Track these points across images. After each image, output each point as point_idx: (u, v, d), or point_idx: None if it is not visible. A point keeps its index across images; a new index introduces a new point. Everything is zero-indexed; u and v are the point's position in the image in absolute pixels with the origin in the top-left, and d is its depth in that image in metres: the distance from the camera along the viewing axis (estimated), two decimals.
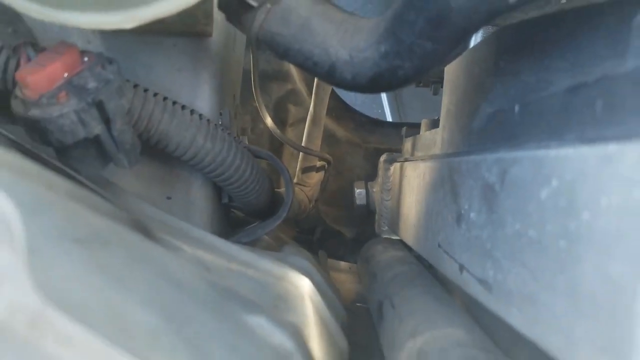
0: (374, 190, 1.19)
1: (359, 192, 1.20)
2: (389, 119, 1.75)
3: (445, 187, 0.65)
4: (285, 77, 1.34)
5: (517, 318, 0.42)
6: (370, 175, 1.28)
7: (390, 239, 1.10)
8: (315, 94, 1.16)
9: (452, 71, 0.76)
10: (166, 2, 0.47)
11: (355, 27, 0.55)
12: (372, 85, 0.55)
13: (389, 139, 1.40)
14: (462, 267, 0.57)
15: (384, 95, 1.79)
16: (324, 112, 1.17)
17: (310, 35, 0.55)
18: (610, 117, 0.36)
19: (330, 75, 0.56)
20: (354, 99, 1.44)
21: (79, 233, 0.33)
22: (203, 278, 0.41)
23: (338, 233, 1.30)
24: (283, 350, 0.37)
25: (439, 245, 0.67)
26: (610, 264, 0.30)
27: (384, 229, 1.14)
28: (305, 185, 1.21)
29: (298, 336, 0.41)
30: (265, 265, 0.55)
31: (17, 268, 0.22)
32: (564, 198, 0.36)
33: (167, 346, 0.26)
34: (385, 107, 1.77)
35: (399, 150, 1.17)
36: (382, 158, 1.14)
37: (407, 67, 0.51)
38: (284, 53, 0.57)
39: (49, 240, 0.25)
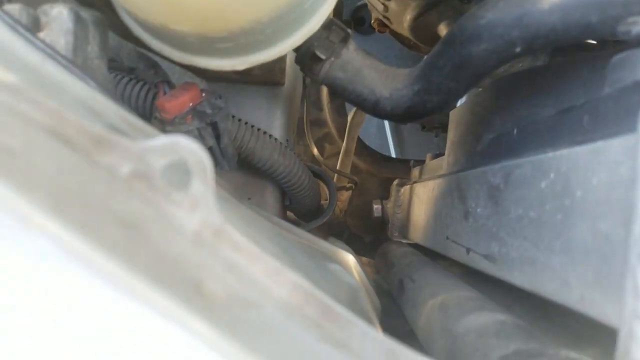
0: (388, 206, 1.21)
1: (376, 207, 1.22)
2: (394, 155, 1.78)
3: (453, 194, 0.67)
4: (322, 123, 1.37)
5: (519, 278, 0.44)
6: (383, 196, 1.29)
7: (400, 241, 1.11)
8: (348, 133, 1.19)
9: (456, 114, 0.78)
10: (266, 53, 0.50)
11: (394, 74, 0.58)
12: (406, 115, 0.57)
13: (397, 171, 1.42)
14: (468, 250, 0.58)
15: (389, 138, 1.81)
16: (354, 146, 1.19)
17: (361, 79, 0.58)
18: (594, 126, 0.38)
19: (374, 108, 0.59)
20: (370, 141, 1.47)
21: (222, 195, 0.35)
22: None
23: (359, 237, 1.31)
24: (354, 286, 0.38)
25: (447, 238, 0.68)
26: (601, 223, 0.32)
27: (395, 234, 1.15)
28: (338, 200, 1.24)
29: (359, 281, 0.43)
30: (323, 244, 0.57)
31: (208, 195, 0.24)
32: (560, 184, 0.38)
33: (288, 265, 0.27)
34: (390, 147, 1.80)
35: (405, 179, 1.19)
36: (395, 182, 1.16)
37: (435, 101, 0.54)
38: (342, 92, 0.60)
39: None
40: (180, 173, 0.25)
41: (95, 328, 0.18)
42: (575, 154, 0.36)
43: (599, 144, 0.33)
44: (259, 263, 0.25)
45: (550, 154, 0.40)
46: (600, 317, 0.31)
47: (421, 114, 0.56)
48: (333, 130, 1.40)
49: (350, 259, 0.58)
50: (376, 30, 1.13)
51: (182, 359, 0.18)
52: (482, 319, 0.41)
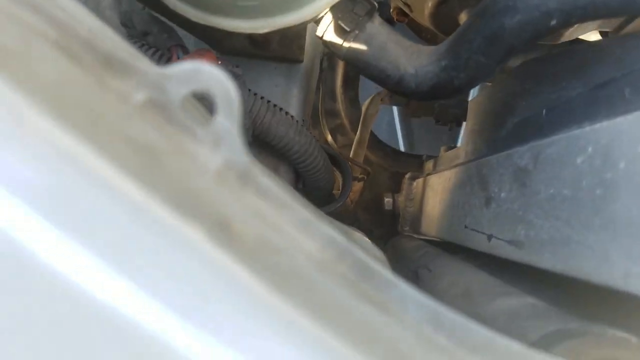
0: (399, 200, 1.18)
1: (387, 200, 1.20)
2: (402, 149, 1.76)
3: (473, 181, 0.64)
4: (335, 114, 1.35)
5: (549, 260, 0.41)
6: (394, 190, 1.27)
7: (411, 235, 1.09)
8: (362, 123, 1.17)
9: (475, 103, 0.76)
10: (291, 16, 0.47)
11: (420, 50, 0.56)
12: (432, 92, 0.55)
13: (408, 165, 1.40)
14: (490, 237, 0.55)
15: (399, 133, 1.79)
16: (367, 137, 1.17)
17: (385, 55, 0.56)
18: (637, 97, 0.35)
19: (398, 85, 0.56)
20: (380, 136, 1.45)
21: None
22: None
23: (369, 231, 1.28)
24: (382, 260, 0.36)
25: (466, 227, 0.65)
26: None
27: (406, 229, 1.12)
28: (350, 190, 1.21)
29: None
30: (338, 224, 0.54)
31: (234, 132, 0.22)
32: (600, 158, 0.35)
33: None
34: (400, 142, 1.78)
35: (417, 173, 1.17)
36: (407, 176, 1.14)
37: (462, 77, 0.51)
38: (364, 67, 0.57)
39: None
40: (203, 106, 0.23)
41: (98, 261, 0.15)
42: (618, 124, 0.34)
43: None
44: (289, 212, 0.23)
45: (587, 128, 0.38)
46: None
47: (447, 92, 0.54)
48: (346, 122, 1.37)
49: (366, 240, 0.56)
50: (395, 19, 1.10)
51: (208, 298, 0.16)
52: (510, 302, 0.38)
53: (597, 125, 0.36)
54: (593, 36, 0.81)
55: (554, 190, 0.41)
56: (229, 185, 0.22)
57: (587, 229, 0.35)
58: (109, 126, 0.19)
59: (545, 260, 0.42)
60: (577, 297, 0.50)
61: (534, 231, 0.44)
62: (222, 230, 0.18)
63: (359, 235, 0.35)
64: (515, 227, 0.48)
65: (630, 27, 0.76)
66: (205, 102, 0.25)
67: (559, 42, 0.67)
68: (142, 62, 0.22)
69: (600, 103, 0.40)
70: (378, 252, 0.36)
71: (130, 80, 0.22)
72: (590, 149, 0.37)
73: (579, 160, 0.38)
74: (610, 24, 0.63)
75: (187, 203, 0.18)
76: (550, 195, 0.42)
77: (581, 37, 0.73)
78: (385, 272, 0.23)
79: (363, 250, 0.31)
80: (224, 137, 0.22)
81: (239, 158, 0.22)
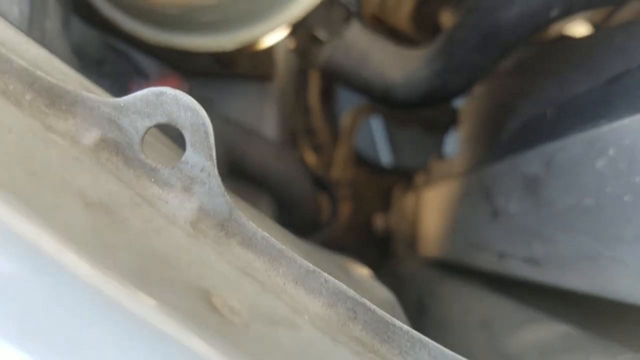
0: (390, 218, 1.16)
1: (378, 221, 1.17)
2: (384, 162, 1.74)
3: (474, 193, 0.62)
4: (314, 131, 1.33)
5: (575, 280, 0.38)
6: (383, 208, 1.24)
7: (408, 256, 1.06)
8: (343, 140, 1.15)
9: (468, 108, 0.74)
10: (260, 28, 0.44)
11: (408, 55, 0.53)
12: (425, 100, 0.52)
13: (395, 180, 1.38)
14: (501, 255, 0.52)
15: (380, 146, 1.78)
16: (349, 154, 1.15)
17: (368, 64, 0.53)
18: None
19: (385, 95, 0.54)
20: (359, 150, 1.43)
21: None
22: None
23: (361, 255, 1.25)
24: (389, 299, 0.33)
25: (471, 245, 0.62)
26: None
27: (402, 249, 1.09)
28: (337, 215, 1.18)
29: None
30: (336, 259, 0.51)
31: (209, 170, 0.18)
32: (625, 160, 0.33)
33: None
34: (382, 156, 1.77)
35: (407, 187, 1.14)
36: (397, 191, 1.11)
37: (457, 81, 0.49)
38: (345, 79, 0.55)
39: None
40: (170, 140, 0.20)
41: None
42: None
43: None
44: (284, 264, 0.19)
45: (605, 128, 0.35)
46: None
47: (441, 98, 0.51)
48: (325, 139, 1.35)
49: (366, 272, 0.53)
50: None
51: None
52: (540, 333, 0.35)
53: (617, 123, 0.34)
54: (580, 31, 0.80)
55: (573, 200, 0.39)
56: (207, 238, 0.19)
57: (619, 242, 0.33)
58: (53, 181, 0.15)
59: (568, 279, 0.39)
60: (603, 314, 0.47)
61: (553, 247, 0.41)
62: (202, 309, 0.14)
63: (359, 275, 0.32)
64: (530, 243, 0.45)
65: (618, 17, 0.75)
66: (171, 132, 0.22)
67: (546, 39, 0.66)
68: (93, 95, 0.19)
69: (616, 98, 0.38)
70: (385, 292, 0.33)
71: (79, 118, 0.19)
72: (611, 151, 0.34)
73: (599, 164, 0.35)
74: (597, 16, 0.62)
75: (153, 277, 0.14)
76: (569, 206, 0.39)
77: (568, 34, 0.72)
78: (403, 326, 0.20)
79: (372, 296, 0.28)
80: (197, 178, 0.19)
81: (217, 202, 0.19)
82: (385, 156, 1.83)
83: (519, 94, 0.56)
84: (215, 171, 0.19)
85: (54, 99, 0.18)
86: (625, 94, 0.37)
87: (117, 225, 0.15)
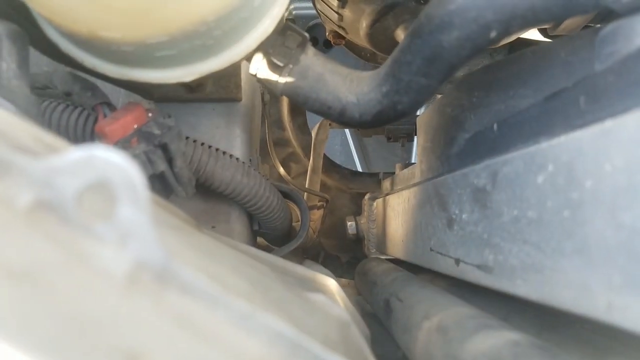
0: (362, 222, 1.15)
1: (350, 224, 1.16)
2: (359, 169, 1.74)
3: (432, 202, 0.62)
4: (286, 143, 1.32)
5: (522, 288, 0.38)
6: (356, 212, 1.24)
7: (378, 257, 1.06)
8: (313, 150, 1.14)
9: (424, 118, 0.74)
10: (215, 60, 0.44)
11: (359, 77, 0.53)
12: (376, 120, 0.52)
13: (366, 185, 1.38)
14: (457, 261, 0.52)
15: (354, 153, 1.78)
16: (321, 163, 1.14)
17: (324, 86, 0.53)
18: (594, 106, 0.33)
19: (341, 116, 0.53)
20: (335, 158, 1.42)
21: (171, 223, 0.29)
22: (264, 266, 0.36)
23: (336, 258, 1.25)
24: (343, 319, 0.32)
25: (431, 249, 0.62)
26: (623, 214, 0.27)
27: (372, 251, 1.09)
28: (310, 220, 1.17)
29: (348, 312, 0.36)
30: (298, 269, 0.51)
31: (143, 224, 0.18)
32: (562, 177, 0.33)
33: (260, 304, 0.21)
34: (356, 162, 1.77)
35: (376, 192, 1.14)
36: (367, 197, 1.11)
37: (405, 101, 0.49)
38: (304, 101, 0.54)
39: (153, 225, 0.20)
40: (104, 197, 0.19)
41: None
42: (577, 139, 0.31)
43: (608, 123, 0.29)
44: (223, 309, 0.19)
45: (544, 144, 0.35)
46: (637, 326, 0.26)
47: (392, 117, 0.51)
48: (298, 149, 1.34)
49: (331, 283, 0.52)
50: (332, 42, 1.09)
51: None
52: (491, 340, 0.35)
53: (555, 141, 0.34)
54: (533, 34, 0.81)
55: (518, 212, 0.39)
56: (142, 290, 0.18)
57: (560, 254, 0.33)
58: None
59: (519, 287, 0.39)
60: (554, 318, 0.47)
61: (503, 255, 0.41)
62: None
63: (314, 297, 0.31)
64: (482, 251, 0.45)
65: (565, 24, 0.76)
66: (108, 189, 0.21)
67: (499, 45, 0.66)
68: (24, 158, 0.18)
69: (554, 115, 0.38)
70: (341, 312, 0.32)
71: (12, 180, 0.18)
72: (550, 167, 0.34)
73: (540, 180, 0.36)
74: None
75: (76, 344, 0.13)
76: (515, 218, 0.39)
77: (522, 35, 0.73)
78: None
79: (325, 317, 0.27)
80: (132, 232, 0.18)
81: (152, 254, 0.18)
82: (362, 162, 1.85)
83: (469, 107, 0.56)
84: (149, 224, 0.18)
85: None
86: (562, 111, 0.37)
87: (42, 293, 0.15)
